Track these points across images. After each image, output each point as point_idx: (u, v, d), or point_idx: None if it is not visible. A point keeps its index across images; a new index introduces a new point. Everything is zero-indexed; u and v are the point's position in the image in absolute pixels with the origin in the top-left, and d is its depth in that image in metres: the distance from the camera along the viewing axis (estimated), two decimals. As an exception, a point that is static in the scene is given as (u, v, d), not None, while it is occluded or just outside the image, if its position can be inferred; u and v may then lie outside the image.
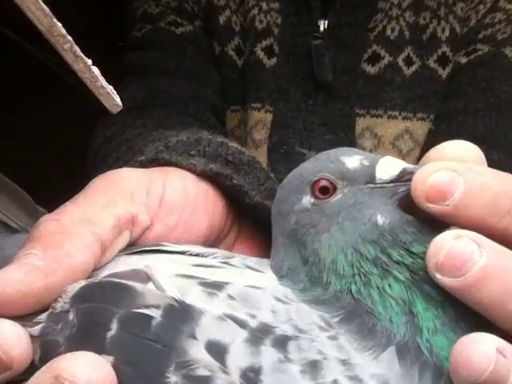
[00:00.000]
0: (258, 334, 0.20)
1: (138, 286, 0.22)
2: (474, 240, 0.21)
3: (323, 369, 0.19)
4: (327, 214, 0.25)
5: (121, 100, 0.63)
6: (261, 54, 0.63)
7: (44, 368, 0.21)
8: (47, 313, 0.23)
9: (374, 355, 0.20)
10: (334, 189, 0.25)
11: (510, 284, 0.21)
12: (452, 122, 0.62)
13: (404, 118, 0.62)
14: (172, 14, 0.65)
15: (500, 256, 0.21)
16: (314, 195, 0.26)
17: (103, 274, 0.24)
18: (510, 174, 0.25)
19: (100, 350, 0.20)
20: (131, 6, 0.69)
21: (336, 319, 0.22)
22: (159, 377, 0.19)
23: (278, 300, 0.22)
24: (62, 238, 0.23)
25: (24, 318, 0.22)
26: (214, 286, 0.22)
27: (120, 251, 0.27)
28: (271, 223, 0.29)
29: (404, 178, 0.24)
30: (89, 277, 0.24)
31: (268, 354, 0.19)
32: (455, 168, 0.23)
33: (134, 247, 0.27)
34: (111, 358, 0.20)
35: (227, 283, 0.22)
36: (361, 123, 0.62)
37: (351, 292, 0.23)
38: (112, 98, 0.45)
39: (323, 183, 0.25)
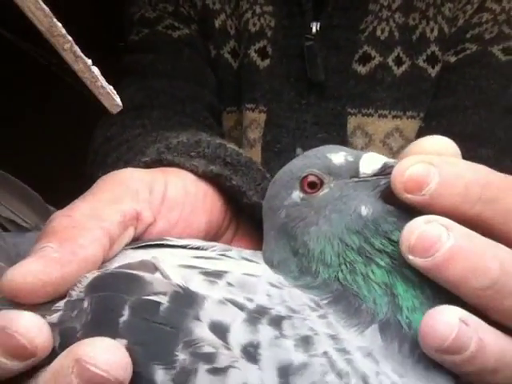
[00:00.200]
0: (255, 315, 0.23)
1: (146, 275, 0.24)
2: (443, 224, 0.23)
3: (314, 343, 0.22)
4: (315, 207, 0.27)
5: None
6: (254, 56, 0.65)
7: (65, 353, 0.23)
8: (64, 301, 0.25)
9: (358, 331, 0.23)
10: (321, 183, 0.27)
11: (474, 263, 0.23)
12: (442, 120, 0.63)
13: (394, 117, 0.64)
14: (169, 18, 0.67)
15: (466, 238, 0.24)
16: (302, 190, 0.28)
17: (113, 266, 0.26)
18: (482, 165, 0.26)
19: (114, 335, 0.23)
20: (129, 11, 0.71)
21: (325, 301, 0.25)
22: (169, 355, 0.22)
23: (273, 285, 0.25)
24: (74, 232, 0.25)
25: (43, 305, 0.24)
26: (214, 275, 0.24)
27: (126, 245, 0.28)
28: (263, 220, 0.31)
29: (385, 171, 0.26)
30: (99, 268, 0.26)
31: (265, 332, 0.22)
32: (431, 161, 0.25)
33: (138, 242, 0.29)
34: (125, 341, 0.23)
35: (226, 272, 0.25)
36: (352, 122, 0.64)
37: (338, 279, 0.25)
38: (112, 97, 0.45)
39: (311, 179, 0.28)
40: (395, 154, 0.62)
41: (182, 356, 0.22)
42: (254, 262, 0.28)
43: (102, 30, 1.76)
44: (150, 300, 0.23)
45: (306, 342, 0.22)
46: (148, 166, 0.34)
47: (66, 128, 1.84)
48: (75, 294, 0.25)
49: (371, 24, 0.64)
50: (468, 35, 0.65)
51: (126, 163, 0.40)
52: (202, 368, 0.21)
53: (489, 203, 0.24)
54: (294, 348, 0.22)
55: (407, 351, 0.23)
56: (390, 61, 0.64)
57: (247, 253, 0.29)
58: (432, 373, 0.23)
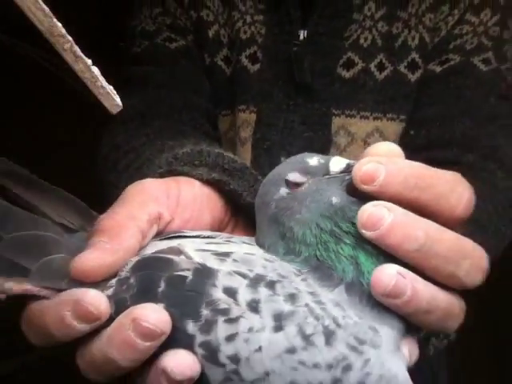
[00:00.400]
0: (255, 281, 0.32)
1: (174, 257, 0.33)
2: (385, 206, 0.32)
3: (298, 298, 0.31)
4: (298, 199, 0.35)
5: (123, 111, 0.68)
6: (245, 62, 0.70)
7: (122, 315, 0.31)
8: (115, 279, 0.33)
9: (330, 290, 0.32)
10: (300, 185, 0.35)
11: (406, 232, 0.32)
12: (431, 128, 0.67)
13: (375, 118, 0.68)
14: (167, 30, 0.72)
15: (402, 215, 0.32)
16: (288, 187, 0.36)
17: (147, 253, 0.35)
18: (418, 163, 0.34)
19: (155, 301, 0.32)
20: (131, 23, 0.76)
21: (305, 270, 0.33)
22: (196, 312, 0.31)
23: (266, 260, 0.34)
24: (118, 230, 0.34)
25: (100, 283, 0.33)
26: (223, 255, 0.33)
27: (152, 238, 0.37)
28: (255, 213, 0.38)
29: (348, 169, 0.34)
30: (137, 255, 0.35)
31: (262, 292, 0.31)
32: (380, 160, 0.33)
33: (161, 235, 0.38)
34: (163, 305, 0.31)
35: (231, 252, 0.34)
36: (336, 122, 0.68)
37: (316, 256, 0.33)
38: (112, 97, 0.45)
39: (294, 177, 0.36)
40: None
41: (205, 312, 0.31)
42: (251, 245, 0.37)
43: (102, 30, 1.76)
44: (178, 275, 0.32)
45: (292, 297, 0.31)
46: (162, 175, 0.43)
47: (65, 128, 1.85)
48: (123, 273, 0.33)
49: (355, 32, 0.69)
50: (451, 46, 0.69)
51: (136, 169, 0.52)
52: (221, 319, 0.31)
53: (423, 189, 0.33)
54: (284, 302, 0.31)
55: (365, 301, 0.32)
56: (372, 66, 0.68)
57: (245, 239, 0.38)
58: (383, 315, 0.32)
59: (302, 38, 0.69)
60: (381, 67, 0.68)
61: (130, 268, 0.33)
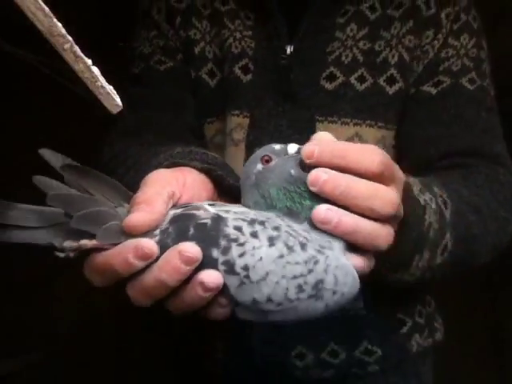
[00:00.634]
0: (252, 221, 0.47)
1: (197, 212, 0.47)
2: (323, 170, 0.47)
3: (280, 228, 0.46)
4: (270, 171, 0.50)
5: (120, 128, 0.76)
6: (238, 72, 0.78)
7: (169, 250, 0.44)
8: (158, 230, 0.46)
9: (298, 224, 0.48)
10: (271, 160, 0.51)
11: (335, 183, 0.46)
12: (438, 146, 0.76)
13: (355, 124, 0.76)
14: (159, 52, 0.83)
15: (332, 174, 0.46)
16: (262, 164, 0.51)
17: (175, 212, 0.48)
18: (343, 142, 0.50)
19: (188, 240, 0.44)
20: (132, 45, 0.86)
21: (281, 215, 0.49)
22: (216, 243, 0.44)
23: (256, 211, 0.49)
24: (150, 201, 0.47)
25: (147, 234, 0.45)
26: (226, 211, 0.48)
27: (169, 209, 0.49)
28: (240, 186, 0.53)
29: (299, 151, 0.49)
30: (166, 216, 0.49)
31: (258, 227, 0.46)
32: (316, 143, 0.49)
33: (175, 207, 0.50)
34: (194, 242, 0.44)
35: (231, 209, 0.48)
36: (320, 127, 0.76)
37: (287, 206, 0.49)
38: (112, 97, 0.45)
39: (266, 158, 0.51)
40: None
41: (223, 242, 0.45)
42: (241, 206, 0.51)
43: (101, 30, 1.76)
44: (201, 222, 0.46)
45: (276, 228, 0.46)
46: (168, 166, 0.56)
47: (64, 128, 1.85)
48: (163, 226, 0.46)
49: (337, 50, 0.77)
50: (441, 68, 0.77)
51: (136, 171, 0.64)
52: (233, 244, 0.45)
53: (343, 157, 0.47)
54: (272, 231, 0.46)
55: (320, 229, 0.47)
56: (352, 79, 0.76)
57: (235, 205, 0.52)
58: (333, 236, 0.47)
59: (288, 52, 0.76)
60: (361, 79, 0.76)
61: (168, 222, 0.46)
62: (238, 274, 0.44)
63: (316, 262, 0.45)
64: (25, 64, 1.35)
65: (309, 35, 0.76)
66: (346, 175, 0.46)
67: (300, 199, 0.48)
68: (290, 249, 0.44)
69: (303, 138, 0.71)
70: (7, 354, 1.58)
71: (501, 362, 1.87)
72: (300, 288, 0.44)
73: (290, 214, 0.48)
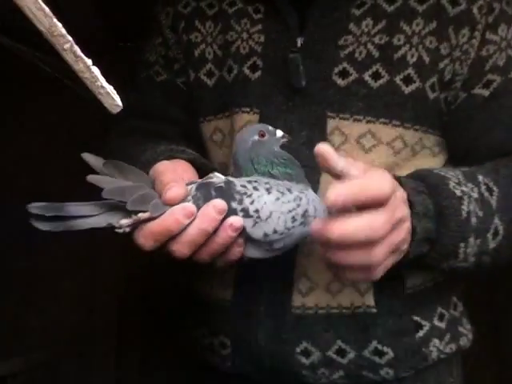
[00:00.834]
0: (250, 181, 0.60)
1: (212, 180, 0.60)
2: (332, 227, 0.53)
3: (271, 183, 0.61)
4: (262, 143, 0.65)
5: (117, 132, 0.84)
6: (247, 72, 0.78)
7: (205, 206, 0.57)
8: (189, 197, 0.59)
9: (280, 181, 0.62)
10: (265, 135, 0.65)
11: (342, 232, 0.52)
12: (503, 147, 0.74)
13: (368, 121, 0.73)
14: (159, 62, 0.86)
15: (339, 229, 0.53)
16: (259, 136, 0.65)
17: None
18: (363, 187, 0.53)
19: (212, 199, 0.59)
20: (140, 51, 0.90)
21: (267, 178, 0.64)
22: (233, 198, 0.58)
23: (251, 177, 0.62)
24: (176, 180, 0.59)
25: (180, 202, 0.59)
26: (229, 181, 0.61)
27: None
28: (234, 157, 0.66)
29: (283, 136, 0.66)
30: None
31: (255, 184, 0.60)
32: (337, 193, 0.51)
33: (189, 183, 0.63)
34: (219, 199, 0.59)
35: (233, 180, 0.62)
36: (331, 123, 0.74)
37: (269, 171, 0.63)
38: (112, 97, 0.45)
39: (262, 132, 0.65)
40: (367, 151, 0.74)
41: (237, 196, 0.59)
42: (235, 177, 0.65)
43: (102, 30, 1.76)
44: (219, 186, 0.59)
45: (267, 183, 0.60)
46: (166, 158, 0.67)
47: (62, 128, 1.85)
48: (192, 194, 0.59)
49: (351, 45, 0.74)
50: (486, 67, 0.74)
51: (135, 164, 0.68)
52: (244, 197, 0.59)
53: (361, 201, 0.52)
54: (265, 185, 0.60)
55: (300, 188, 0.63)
56: (366, 76, 0.73)
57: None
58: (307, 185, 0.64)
59: (299, 44, 0.74)
60: (376, 76, 0.73)
61: (194, 190, 0.59)
62: (251, 216, 0.58)
63: (300, 199, 0.60)
64: (24, 61, 1.35)
65: (320, 27, 0.74)
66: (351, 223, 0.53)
67: (278, 166, 0.64)
68: (282, 193, 0.60)
69: (313, 134, 0.73)
70: (7, 354, 1.58)
71: (501, 361, 1.87)
72: (293, 219, 0.60)
73: (274, 176, 0.64)
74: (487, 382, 1.81)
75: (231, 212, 0.57)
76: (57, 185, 1.92)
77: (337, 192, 0.51)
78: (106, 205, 0.57)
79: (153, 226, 0.58)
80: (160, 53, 0.85)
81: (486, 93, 0.74)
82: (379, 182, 0.54)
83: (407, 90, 0.73)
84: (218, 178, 0.62)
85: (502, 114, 0.74)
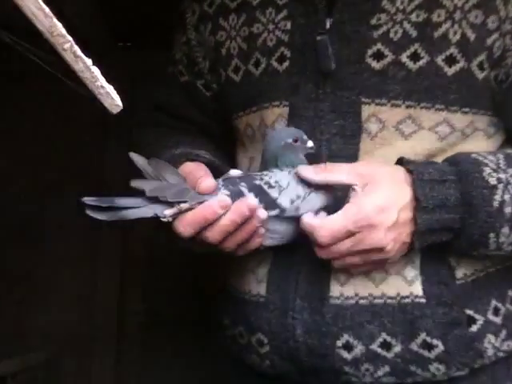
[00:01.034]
0: (266, 173, 0.68)
1: (233, 174, 0.69)
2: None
3: (282, 172, 0.68)
4: (292, 148, 0.68)
5: (144, 123, 0.91)
6: (275, 64, 0.74)
7: (239, 201, 0.64)
8: (221, 191, 0.65)
9: (291, 174, 0.69)
10: (297, 141, 0.68)
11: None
12: None
13: (407, 106, 0.68)
14: (182, 62, 0.86)
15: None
16: (293, 141, 0.68)
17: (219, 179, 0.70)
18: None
19: (243, 192, 0.66)
20: (173, 47, 0.89)
21: (280, 170, 0.69)
22: (256, 188, 0.66)
23: (266, 172, 0.69)
24: (207, 175, 0.67)
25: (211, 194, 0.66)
26: (248, 173, 0.72)
27: None
28: (264, 150, 0.70)
29: (312, 147, 0.69)
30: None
31: (270, 174, 0.68)
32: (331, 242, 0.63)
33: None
34: (252, 195, 0.66)
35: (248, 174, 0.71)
36: (366, 110, 0.69)
37: (285, 166, 0.69)
38: (112, 97, 0.45)
39: (296, 138, 0.67)
40: (407, 137, 0.69)
41: (257, 176, 0.67)
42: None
43: (102, 30, 1.76)
44: (241, 176, 0.68)
45: (281, 172, 0.68)
46: (187, 160, 0.73)
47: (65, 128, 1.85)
48: (222, 186, 0.65)
49: (385, 25, 0.69)
50: None
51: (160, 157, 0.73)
52: (263, 176, 0.67)
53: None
54: (280, 173, 0.68)
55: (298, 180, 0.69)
56: (403, 57, 0.68)
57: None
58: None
59: (328, 26, 0.69)
60: (415, 57, 0.68)
61: (222, 184, 0.66)
62: (274, 186, 0.66)
63: (306, 194, 0.67)
64: (24, 60, 1.35)
65: (350, 5, 0.69)
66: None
67: (293, 166, 0.69)
68: (288, 183, 0.67)
69: (347, 122, 0.69)
70: (7, 354, 1.58)
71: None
72: (304, 184, 0.67)
73: (284, 169, 0.70)
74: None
75: (256, 188, 0.66)
76: (57, 185, 1.92)
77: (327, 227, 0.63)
78: (150, 199, 0.64)
79: (192, 215, 0.63)
80: (184, 51, 0.85)
81: None
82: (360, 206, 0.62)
83: (450, 71, 0.68)
84: (235, 172, 0.70)
85: None
